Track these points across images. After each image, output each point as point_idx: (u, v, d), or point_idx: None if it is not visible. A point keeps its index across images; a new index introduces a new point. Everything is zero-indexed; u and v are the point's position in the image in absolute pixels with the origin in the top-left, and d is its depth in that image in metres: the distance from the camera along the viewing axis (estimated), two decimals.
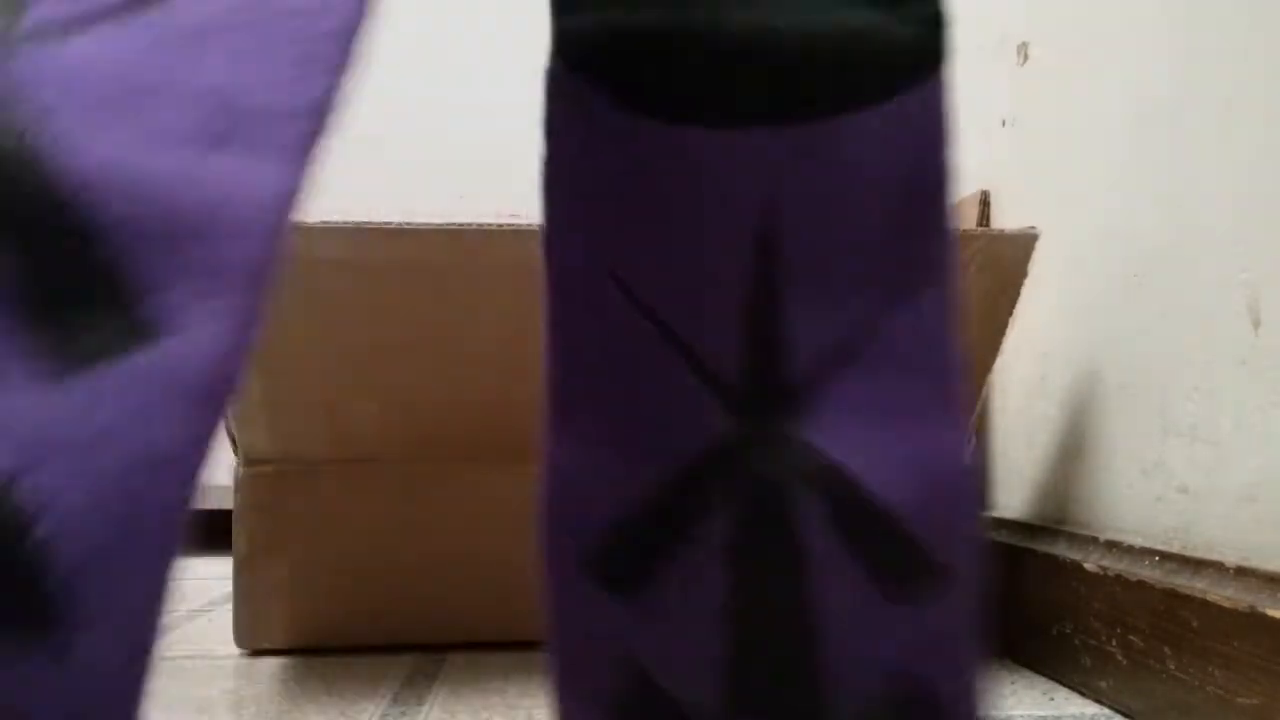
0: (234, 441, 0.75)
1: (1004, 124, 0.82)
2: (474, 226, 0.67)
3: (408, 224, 0.67)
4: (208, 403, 0.27)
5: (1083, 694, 0.63)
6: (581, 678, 0.35)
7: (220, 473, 0.80)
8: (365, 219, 0.65)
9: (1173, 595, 0.54)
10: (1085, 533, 0.67)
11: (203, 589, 1.02)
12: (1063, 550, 0.67)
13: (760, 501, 0.33)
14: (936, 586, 0.34)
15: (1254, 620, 0.48)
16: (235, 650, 0.76)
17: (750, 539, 0.33)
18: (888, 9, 0.33)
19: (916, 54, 0.34)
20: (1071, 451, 0.71)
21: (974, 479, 0.37)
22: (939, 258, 0.34)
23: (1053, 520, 0.73)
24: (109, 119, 0.28)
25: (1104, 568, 0.61)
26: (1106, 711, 0.60)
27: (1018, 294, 0.72)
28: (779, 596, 0.33)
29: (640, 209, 0.34)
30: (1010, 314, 0.73)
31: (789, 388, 0.33)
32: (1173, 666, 0.54)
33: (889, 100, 0.33)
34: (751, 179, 0.33)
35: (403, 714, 0.60)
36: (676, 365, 0.33)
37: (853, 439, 0.33)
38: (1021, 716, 0.59)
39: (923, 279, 0.34)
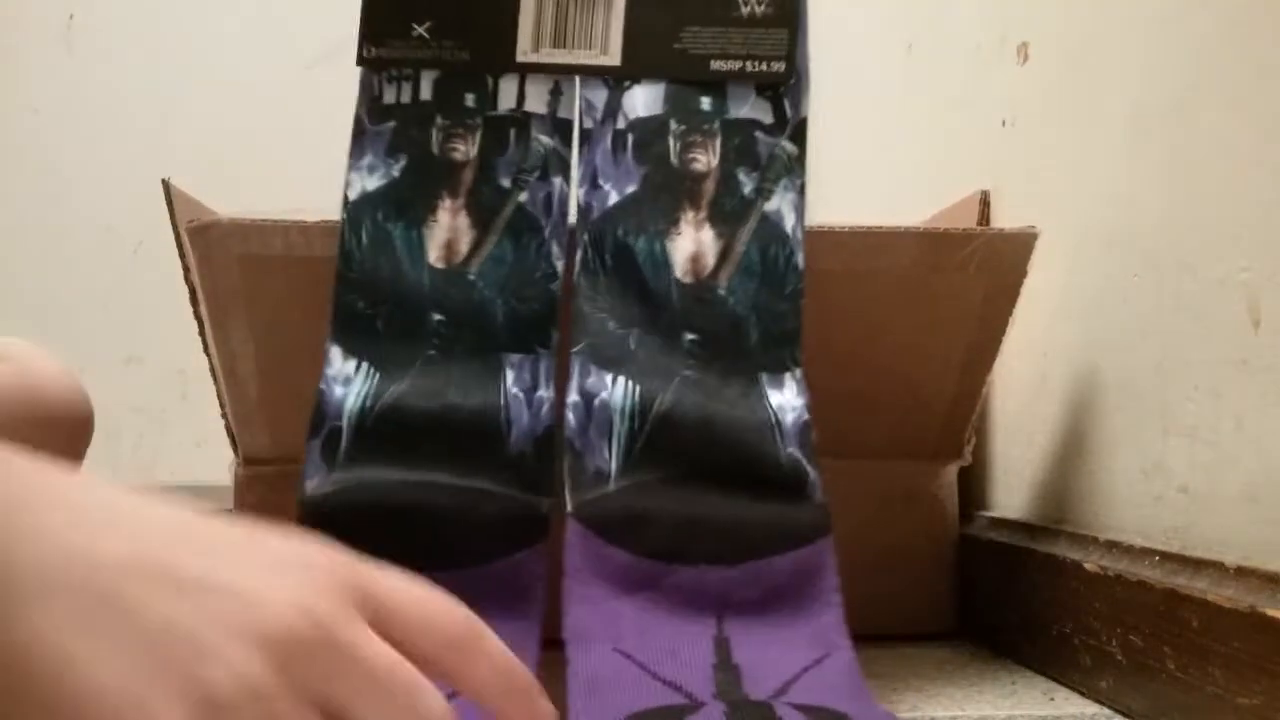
0: (234, 441, 0.74)
1: (1004, 124, 0.82)
2: None
3: None
4: None
5: (1083, 694, 0.63)
6: None
7: (220, 473, 0.80)
8: None
9: (1173, 595, 0.54)
10: (1085, 533, 0.67)
11: None
12: (1063, 550, 0.67)
13: None
14: None
15: (1254, 620, 0.48)
16: None
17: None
18: (791, 505, 0.59)
19: (812, 527, 0.58)
20: (1071, 451, 0.71)
21: None
22: (837, 636, 0.55)
23: (1052, 520, 0.73)
24: None
25: (1104, 568, 0.61)
26: (1106, 711, 0.60)
27: (1017, 294, 0.72)
28: None
29: (643, 613, 0.55)
30: (1010, 314, 0.73)
31: (752, 702, 0.50)
32: (1173, 666, 0.54)
33: (797, 549, 0.57)
34: (713, 595, 0.55)
35: None
36: (664, 690, 0.51)
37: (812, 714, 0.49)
38: (1021, 716, 0.59)
39: (831, 645, 0.55)
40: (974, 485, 0.84)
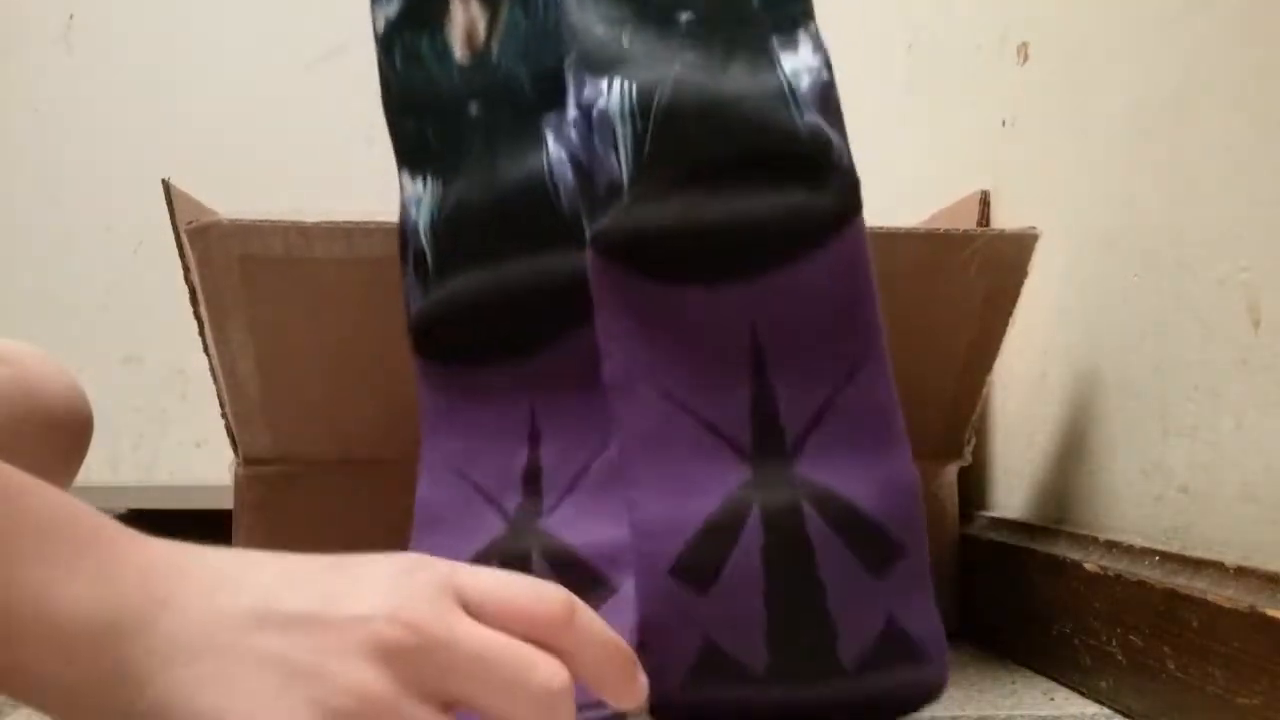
0: (234, 441, 0.74)
1: (1004, 124, 0.82)
2: None
3: None
4: None
5: (1083, 694, 0.63)
6: (669, 653, 0.51)
7: (220, 473, 0.80)
8: (365, 219, 0.65)
9: (1173, 595, 0.54)
10: (1085, 532, 0.67)
11: None
12: (1062, 550, 0.67)
13: (779, 517, 0.51)
14: (898, 559, 0.52)
15: (1254, 620, 0.48)
16: None
17: (776, 543, 0.51)
18: (813, 186, 0.54)
19: (837, 214, 0.54)
20: (1071, 451, 0.71)
21: (915, 482, 0.52)
22: (874, 340, 0.53)
23: (1052, 520, 0.73)
24: None
25: (1104, 567, 0.61)
26: (1106, 711, 0.60)
27: (1018, 294, 0.72)
28: (799, 578, 0.51)
29: (675, 342, 0.53)
30: (1010, 314, 0.73)
31: (786, 444, 0.52)
32: (1173, 666, 0.54)
33: (823, 246, 0.53)
34: (740, 315, 0.53)
35: None
36: (705, 438, 0.52)
37: (835, 470, 0.51)
38: (1021, 716, 0.59)
39: (863, 356, 0.53)
40: (974, 485, 0.85)
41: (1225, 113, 0.56)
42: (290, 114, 1.38)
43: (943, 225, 0.82)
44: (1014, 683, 0.66)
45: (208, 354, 0.73)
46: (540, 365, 0.57)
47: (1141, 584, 0.57)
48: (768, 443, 0.52)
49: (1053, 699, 0.63)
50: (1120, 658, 0.59)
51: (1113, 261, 0.66)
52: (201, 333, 0.72)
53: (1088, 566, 0.63)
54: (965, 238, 0.70)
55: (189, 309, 0.72)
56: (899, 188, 1.07)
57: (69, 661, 0.30)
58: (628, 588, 0.53)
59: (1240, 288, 0.54)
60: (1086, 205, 0.70)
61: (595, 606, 0.47)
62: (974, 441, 0.79)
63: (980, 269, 0.70)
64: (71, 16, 1.37)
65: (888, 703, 0.53)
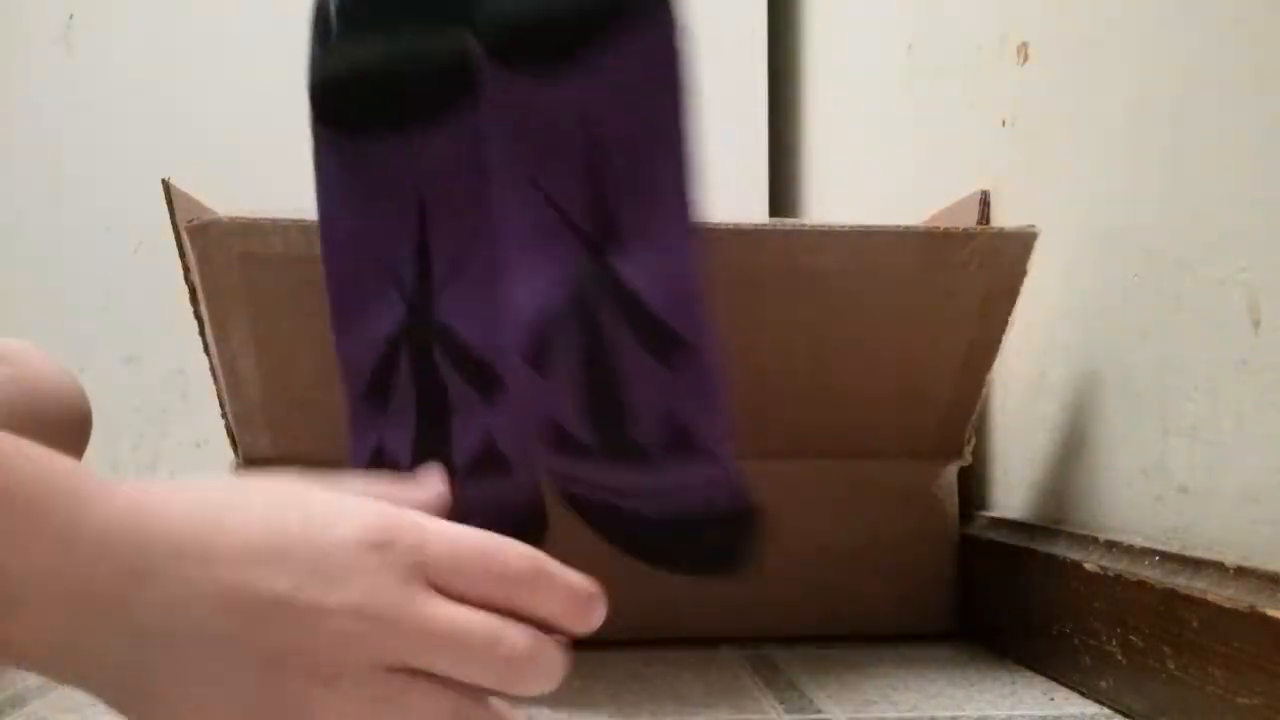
0: (234, 441, 0.74)
1: (1004, 124, 0.82)
2: None
3: None
4: None
5: (1083, 694, 0.63)
6: (532, 424, 0.58)
7: (220, 473, 0.80)
8: None
9: (1173, 595, 0.54)
10: (1085, 533, 0.67)
11: None
12: (1062, 550, 0.67)
13: (588, 310, 0.54)
14: (687, 354, 0.53)
15: (1254, 620, 0.48)
16: None
17: (585, 333, 0.54)
18: None
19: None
20: (1071, 451, 0.71)
21: (701, 276, 0.53)
22: (675, 129, 0.55)
23: (1052, 520, 0.73)
24: None
25: (1104, 568, 0.61)
26: (1106, 711, 0.60)
27: (1017, 293, 0.72)
28: (601, 366, 0.54)
29: (523, 129, 0.55)
30: (1010, 313, 0.73)
31: (610, 231, 0.54)
32: (1173, 666, 0.54)
33: (617, 35, 0.54)
34: (573, 100, 0.54)
35: None
36: (554, 224, 0.54)
37: (636, 263, 0.53)
38: (1021, 716, 0.59)
39: (663, 146, 0.55)
40: (974, 485, 0.85)
41: (1225, 113, 0.56)
42: (290, 114, 1.38)
43: (943, 225, 0.82)
44: (1014, 683, 0.66)
45: (208, 354, 0.73)
46: (428, 142, 0.58)
47: (1141, 584, 0.57)
48: (597, 229, 0.54)
49: (1053, 699, 0.63)
50: (1120, 658, 0.59)
51: (1113, 261, 0.66)
52: (201, 332, 0.72)
53: (1088, 566, 0.63)
54: (965, 236, 0.70)
55: (189, 309, 0.72)
56: (899, 188, 1.07)
57: (37, 631, 0.30)
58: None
59: (1240, 288, 0.54)
60: (1086, 205, 0.70)
61: (495, 404, 0.56)
62: (974, 441, 0.79)
63: (980, 268, 0.71)
64: (71, 16, 1.37)
65: (686, 494, 0.57)
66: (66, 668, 0.31)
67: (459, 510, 0.52)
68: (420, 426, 0.58)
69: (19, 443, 0.31)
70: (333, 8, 0.58)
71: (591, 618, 0.35)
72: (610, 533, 0.61)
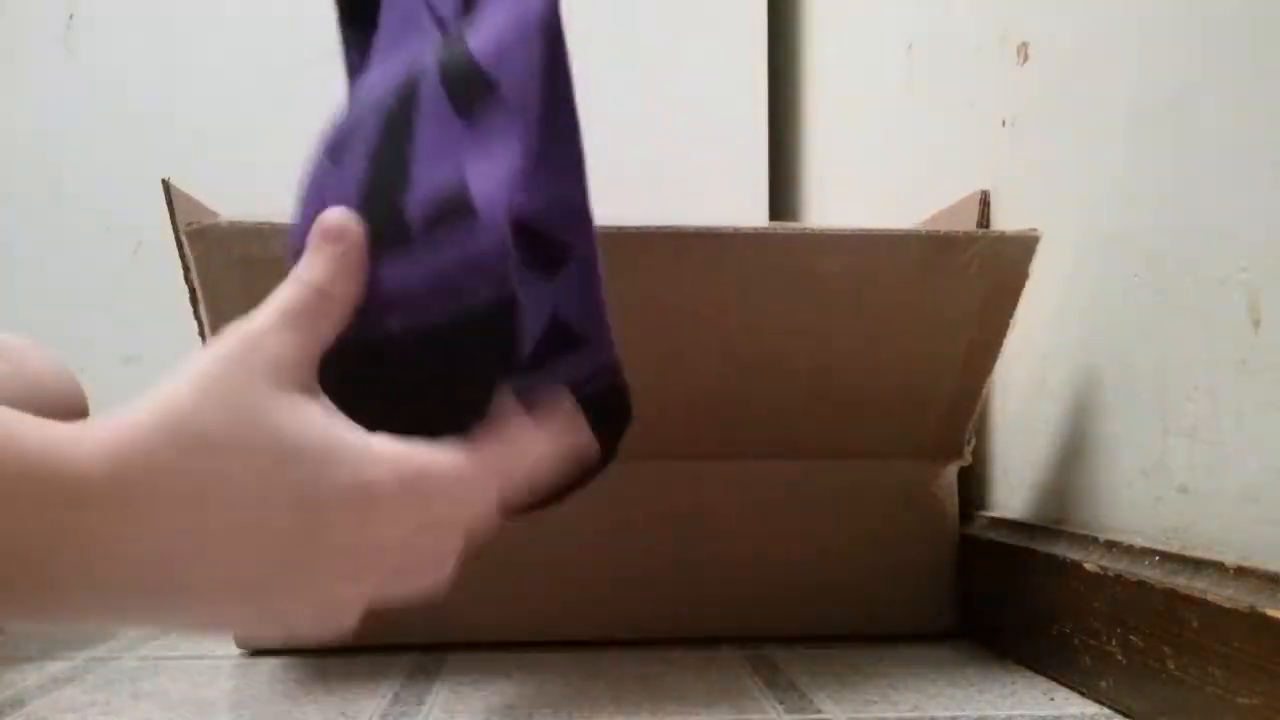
0: None
1: (1004, 124, 0.82)
2: None
3: None
4: None
5: (1083, 694, 0.63)
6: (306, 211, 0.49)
7: None
8: None
9: (1173, 595, 0.54)
10: (1085, 533, 0.67)
11: None
12: (1063, 550, 0.67)
13: (411, 80, 0.47)
14: (494, 106, 0.45)
15: (1254, 620, 0.48)
16: (235, 650, 0.76)
17: (399, 99, 0.46)
18: None
19: None
20: (1071, 452, 0.71)
21: (529, 35, 0.47)
22: None
23: (1052, 520, 0.73)
24: None
25: (1104, 568, 0.61)
26: (1106, 711, 0.60)
27: (1018, 296, 0.72)
28: (397, 131, 0.45)
29: None
30: (1011, 316, 0.73)
31: (468, 11, 0.48)
32: (1173, 666, 0.54)
33: None
34: None
35: (403, 714, 0.60)
36: (428, 17, 0.50)
37: (477, 31, 0.47)
38: (1021, 716, 0.59)
39: None
40: (974, 485, 0.85)
41: (1225, 113, 0.56)
42: (290, 114, 1.38)
43: (943, 225, 0.82)
44: (1014, 683, 0.67)
45: None
46: None
47: (1142, 584, 0.57)
48: (451, 26, 0.49)
49: (1053, 699, 0.63)
50: (1120, 658, 0.59)
51: (1113, 261, 0.66)
52: (201, 334, 0.72)
53: (1088, 566, 0.63)
54: (966, 239, 0.71)
55: (189, 309, 0.72)
56: (899, 188, 1.07)
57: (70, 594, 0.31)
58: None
59: (1240, 288, 0.54)
60: (1086, 205, 0.70)
61: (558, 279, 0.52)
62: (974, 441, 0.79)
63: (981, 270, 0.71)
64: (71, 16, 1.37)
65: (453, 277, 0.43)
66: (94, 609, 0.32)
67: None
68: None
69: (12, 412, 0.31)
70: None
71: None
72: (356, 383, 0.45)
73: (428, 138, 0.45)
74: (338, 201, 0.45)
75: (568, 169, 0.52)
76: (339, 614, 0.36)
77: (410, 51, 0.49)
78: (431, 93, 0.46)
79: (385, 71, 0.49)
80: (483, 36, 0.47)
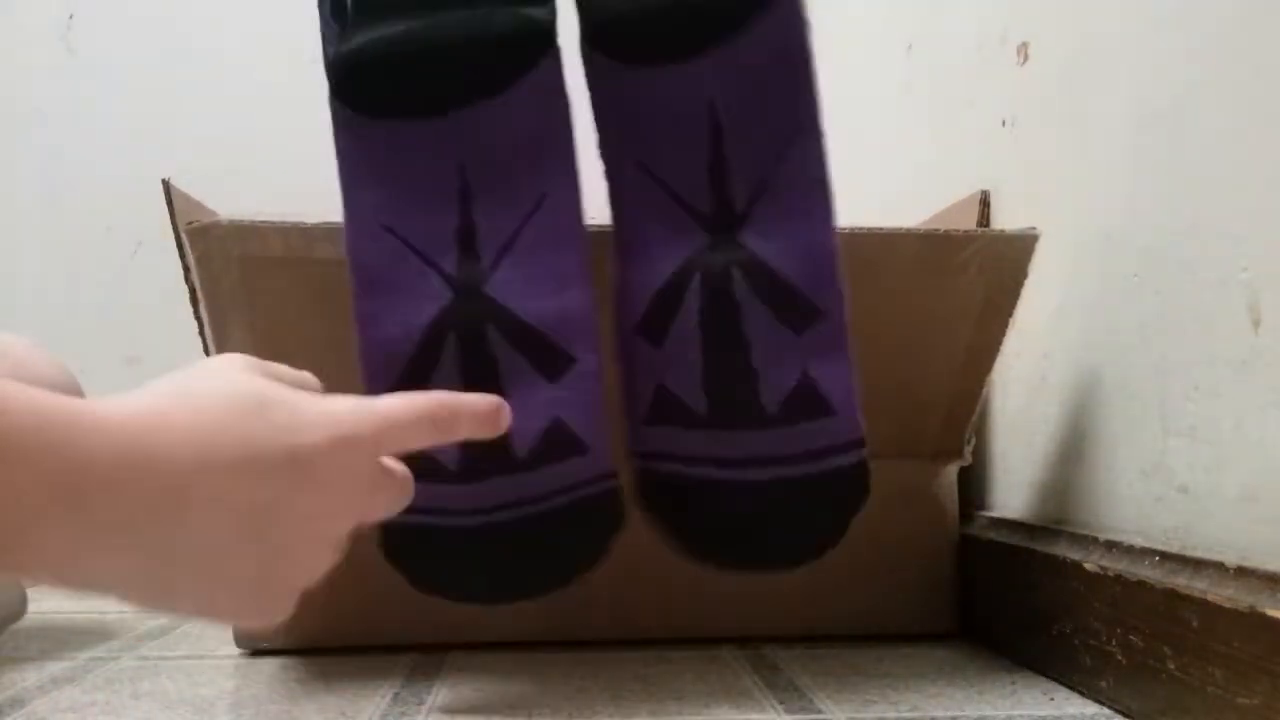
0: None
1: (1004, 124, 0.82)
2: None
3: None
4: None
5: (1083, 694, 0.63)
6: (631, 398, 0.59)
7: None
8: None
9: (1173, 595, 0.54)
10: (1085, 533, 0.67)
11: None
12: (1063, 550, 0.67)
13: (715, 279, 0.56)
14: (819, 321, 0.56)
15: (1254, 620, 0.48)
16: (235, 650, 0.76)
17: (711, 301, 0.56)
18: None
19: None
20: (1071, 452, 0.71)
21: (836, 249, 0.56)
22: (807, 113, 0.58)
23: (1052, 520, 0.73)
24: None
25: (1104, 568, 0.61)
26: (1106, 711, 0.60)
27: (1018, 295, 0.72)
28: (728, 335, 0.56)
29: (642, 120, 0.57)
30: (1011, 315, 0.73)
31: (736, 213, 0.56)
32: (1173, 666, 0.54)
33: (759, 19, 0.57)
34: (699, 91, 0.57)
35: (403, 714, 0.60)
36: (673, 208, 0.57)
37: (767, 238, 0.56)
38: (1021, 716, 0.59)
39: (796, 130, 0.57)
40: (974, 485, 0.85)
41: (1225, 113, 0.56)
42: (290, 114, 1.38)
43: (943, 225, 0.82)
44: (1014, 683, 0.66)
45: (207, 354, 0.73)
46: (469, 121, 0.57)
47: (1141, 584, 0.57)
48: (720, 210, 0.57)
49: (1053, 699, 0.63)
50: (1120, 658, 0.59)
51: (1113, 261, 0.66)
52: (201, 333, 0.72)
53: (1088, 566, 0.63)
54: (965, 238, 0.71)
55: (189, 309, 0.72)
56: (899, 187, 1.07)
57: (52, 553, 0.32)
58: (587, 360, 0.57)
59: (1240, 288, 0.54)
60: (1086, 205, 0.70)
61: (558, 379, 0.57)
62: (974, 441, 0.79)
63: (980, 269, 0.71)
64: (71, 16, 1.37)
65: (806, 453, 0.58)
66: (76, 578, 0.33)
67: (526, 499, 0.55)
68: None
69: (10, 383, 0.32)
70: None
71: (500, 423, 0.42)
72: (693, 517, 0.60)
73: (764, 344, 0.56)
74: (678, 384, 0.57)
75: (571, 280, 0.59)
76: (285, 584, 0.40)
77: (670, 240, 0.57)
78: (752, 307, 0.56)
79: (659, 260, 0.57)
80: (787, 259, 0.56)
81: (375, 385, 0.57)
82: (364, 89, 0.56)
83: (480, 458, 0.56)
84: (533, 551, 0.59)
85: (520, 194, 0.57)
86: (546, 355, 0.57)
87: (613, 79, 0.57)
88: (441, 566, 0.60)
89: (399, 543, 0.59)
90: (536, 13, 0.57)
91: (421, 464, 0.56)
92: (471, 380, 0.57)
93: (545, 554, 0.59)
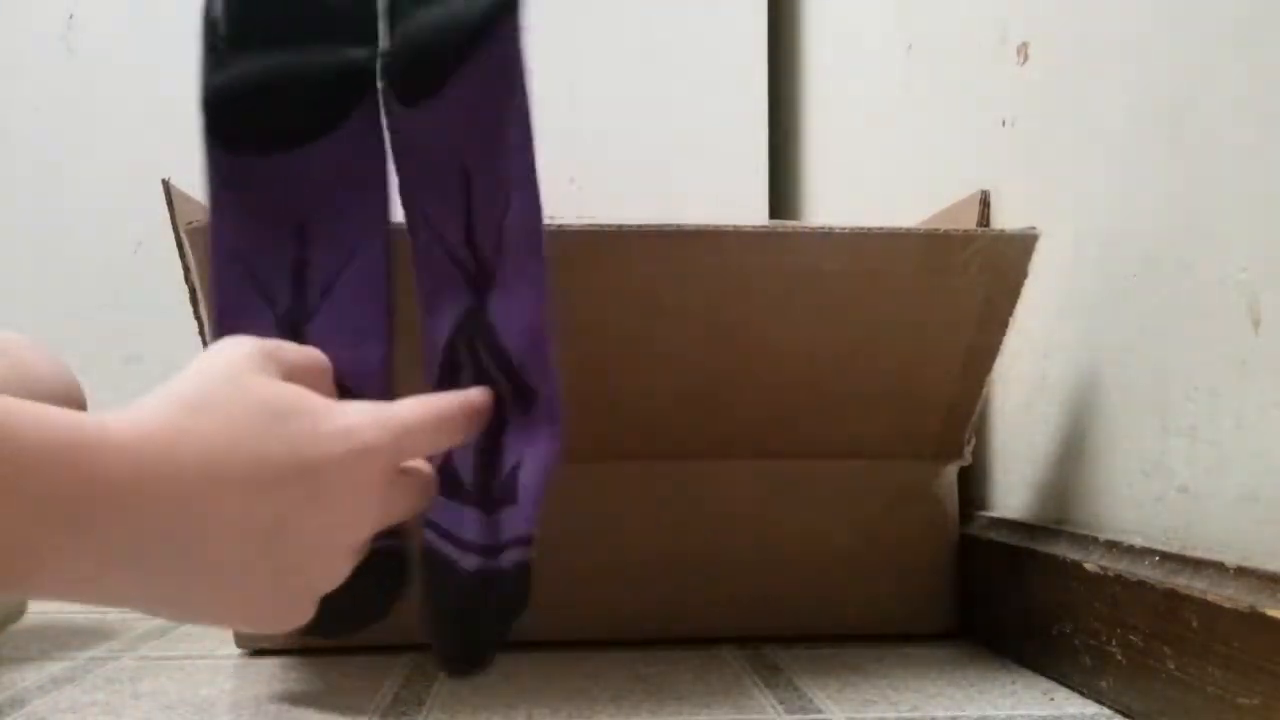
0: None
1: (1004, 124, 0.82)
2: None
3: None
4: None
5: (1083, 694, 0.63)
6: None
7: None
8: None
9: (1173, 595, 0.54)
10: (1085, 533, 0.67)
11: None
12: (1063, 550, 0.67)
13: (477, 355, 0.53)
14: (530, 400, 0.52)
15: (1254, 620, 0.48)
16: (235, 650, 0.76)
17: (477, 378, 0.53)
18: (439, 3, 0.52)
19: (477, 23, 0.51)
20: (1071, 452, 0.71)
21: (549, 331, 0.53)
22: (522, 161, 0.52)
23: (1053, 520, 0.73)
24: None
25: (1104, 568, 0.61)
26: (1107, 712, 0.60)
27: (1018, 295, 0.72)
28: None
29: (416, 164, 0.56)
30: (1010, 315, 0.73)
31: (488, 272, 0.54)
32: (1173, 667, 0.54)
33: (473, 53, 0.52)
34: (444, 132, 0.54)
35: (402, 714, 0.60)
36: (447, 264, 0.55)
37: (504, 311, 0.53)
38: (1022, 717, 0.59)
39: (516, 181, 0.52)
40: (974, 485, 0.85)
41: (1225, 113, 0.56)
42: None
43: (943, 225, 0.82)
44: (1014, 683, 0.66)
45: None
46: (311, 158, 0.57)
47: (1142, 584, 0.57)
48: (479, 272, 0.55)
49: (1053, 699, 0.63)
50: (1120, 658, 0.59)
51: (1111, 262, 0.66)
52: (201, 333, 0.72)
53: (1088, 567, 0.63)
54: (965, 238, 0.71)
55: (189, 309, 0.72)
56: (899, 188, 1.07)
57: (67, 571, 0.32)
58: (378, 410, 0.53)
59: (1240, 288, 0.54)
60: (1086, 205, 0.70)
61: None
62: (974, 442, 0.79)
63: (980, 269, 0.71)
64: (71, 16, 1.37)
65: (491, 545, 0.53)
66: (93, 595, 0.34)
67: None
68: None
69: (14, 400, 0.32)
70: (221, 16, 0.57)
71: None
72: (435, 594, 0.55)
73: (506, 418, 0.53)
74: (458, 454, 0.54)
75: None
76: (315, 585, 0.40)
77: (448, 298, 0.55)
78: (501, 386, 0.53)
79: (444, 319, 0.55)
80: (518, 335, 0.53)
81: None
82: (217, 122, 0.57)
83: None
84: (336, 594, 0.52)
85: (343, 236, 0.57)
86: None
87: (393, 118, 0.56)
88: None
89: None
90: (354, 57, 0.57)
91: None
92: None
93: (344, 597, 0.52)
